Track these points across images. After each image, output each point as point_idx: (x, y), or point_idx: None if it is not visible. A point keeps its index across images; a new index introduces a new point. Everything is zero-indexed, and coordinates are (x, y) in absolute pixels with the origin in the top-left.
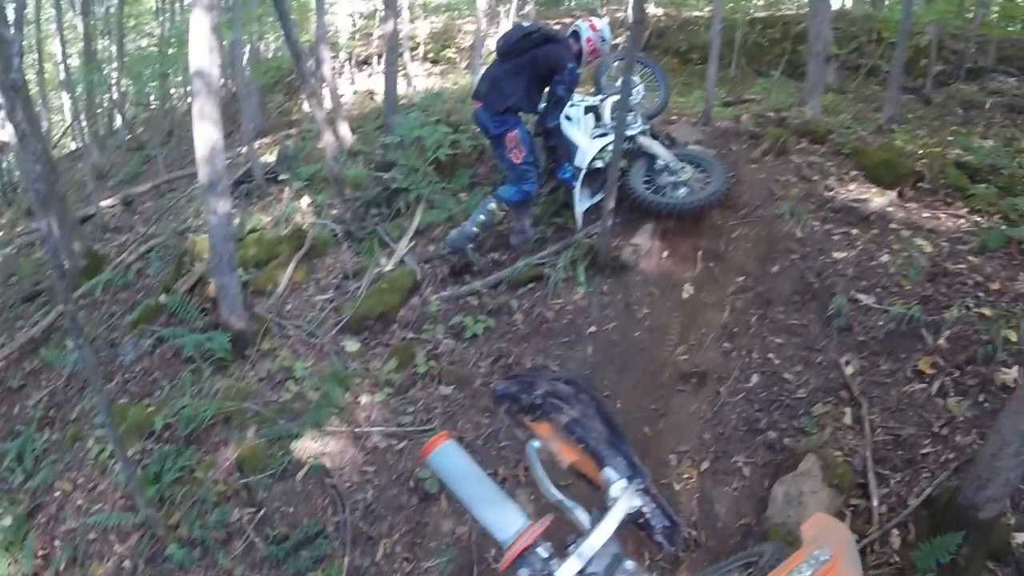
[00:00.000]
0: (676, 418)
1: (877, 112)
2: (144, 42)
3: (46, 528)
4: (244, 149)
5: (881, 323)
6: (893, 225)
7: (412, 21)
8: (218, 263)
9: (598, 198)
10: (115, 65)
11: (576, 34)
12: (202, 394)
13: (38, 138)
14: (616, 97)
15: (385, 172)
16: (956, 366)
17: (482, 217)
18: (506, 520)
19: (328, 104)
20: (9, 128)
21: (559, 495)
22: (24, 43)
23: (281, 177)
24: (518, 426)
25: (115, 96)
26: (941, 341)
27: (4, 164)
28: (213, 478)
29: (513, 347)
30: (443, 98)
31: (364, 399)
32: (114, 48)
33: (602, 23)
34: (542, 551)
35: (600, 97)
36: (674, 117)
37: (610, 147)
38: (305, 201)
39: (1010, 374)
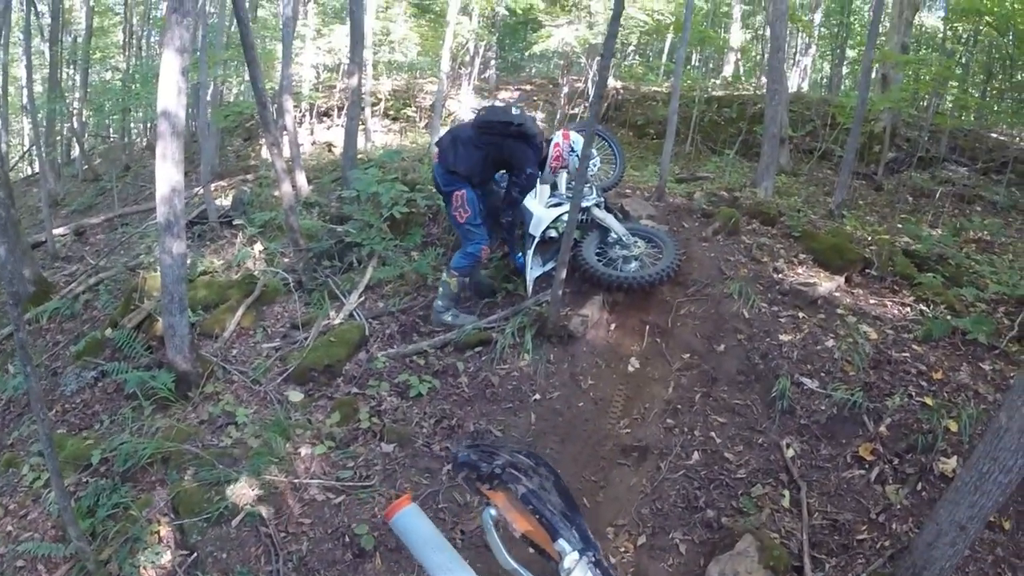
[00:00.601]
0: (615, 491)
1: (828, 196)
2: (109, 75)
3: None
4: (200, 190)
5: (823, 407)
6: (840, 310)
7: (375, 78)
8: (168, 303)
9: (550, 266)
10: (78, 95)
11: (549, 141)
12: (142, 432)
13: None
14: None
15: (339, 225)
16: (896, 454)
17: (440, 290)
18: None
19: (287, 153)
20: None
21: (514, 564)
22: None
23: (235, 221)
24: (475, 493)
25: (75, 126)
26: (882, 428)
27: None
28: (147, 517)
29: (457, 409)
30: (401, 156)
31: (304, 450)
32: (78, 78)
33: (576, 137)
34: None
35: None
36: (628, 191)
37: (564, 217)
38: (258, 247)
39: (949, 464)
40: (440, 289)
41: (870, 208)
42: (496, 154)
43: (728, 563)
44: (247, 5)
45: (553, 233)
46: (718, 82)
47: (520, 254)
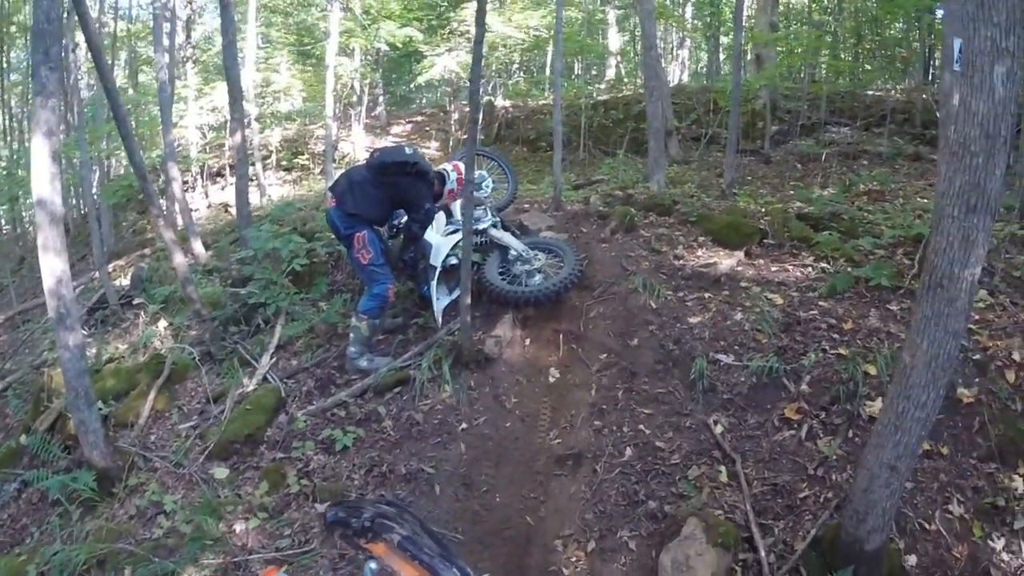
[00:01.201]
0: (556, 503)
1: (720, 178)
2: None
3: None
4: (96, 274)
5: (743, 379)
6: (743, 283)
7: (262, 131)
8: (75, 399)
9: (456, 294)
10: None
11: (443, 178)
12: (72, 538)
13: None
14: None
15: (242, 288)
16: (821, 408)
17: (352, 335)
18: None
19: (180, 222)
20: None
21: None
22: None
23: (136, 301)
24: (355, 548)
25: None
26: (803, 387)
27: None
28: None
29: (385, 454)
30: (295, 207)
31: (239, 527)
32: None
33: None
34: None
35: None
36: (526, 205)
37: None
38: (162, 324)
39: (875, 405)
40: (351, 335)
41: (761, 182)
42: (393, 193)
43: (678, 549)
44: (124, 74)
45: (454, 260)
46: (602, 86)
47: (426, 286)
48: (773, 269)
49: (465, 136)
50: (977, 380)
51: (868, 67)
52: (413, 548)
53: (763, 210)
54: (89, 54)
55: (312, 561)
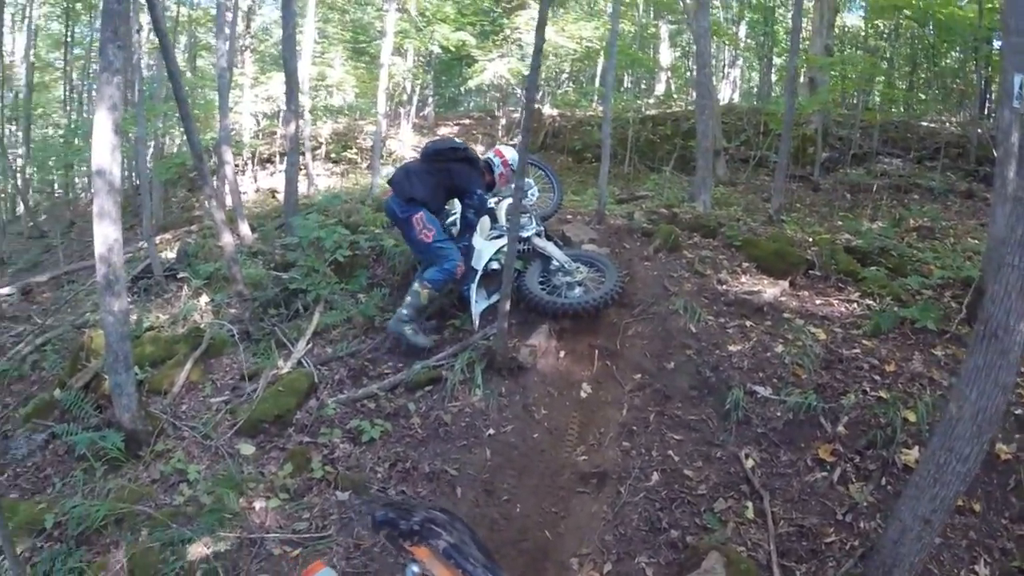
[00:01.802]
0: (577, 520)
1: (767, 202)
2: (51, 131)
3: None
4: (144, 244)
5: (779, 414)
6: (786, 315)
7: (315, 122)
8: (113, 362)
9: (494, 299)
10: (20, 152)
11: (489, 165)
12: (94, 494)
13: None
14: (510, 200)
15: (284, 273)
16: (856, 451)
17: (409, 299)
18: None
19: (229, 203)
20: None
21: None
22: None
23: (180, 275)
24: (398, 550)
25: (19, 183)
26: (840, 428)
27: None
28: None
29: (411, 451)
30: (342, 199)
31: (259, 504)
32: (20, 135)
33: (510, 152)
34: None
35: (495, 199)
36: (569, 216)
37: (505, 248)
38: (204, 300)
39: (911, 454)
40: (408, 298)
41: (809, 209)
42: (447, 180)
43: None
44: (184, 58)
45: (495, 265)
46: (651, 101)
47: (466, 287)
48: (817, 302)
49: (511, 142)
50: (1017, 436)
51: (923, 97)
52: (458, 556)
53: (810, 239)
54: (153, 35)
55: (327, 547)
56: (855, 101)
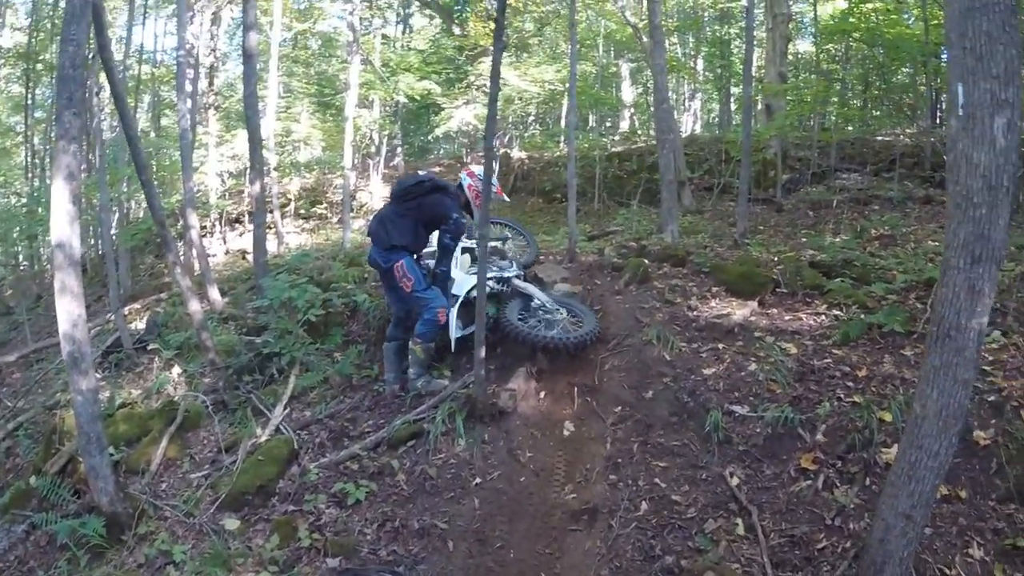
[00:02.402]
0: (571, 558)
1: (733, 227)
2: (13, 199)
3: None
4: (112, 316)
5: (758, 430)
6: (757, 333)
7: (282, 179)
8: (87, 444)
9: (470, 330)
10: None
11: (461, 187)
12: None
13: None
14: (493, 243)
15: (257, 337)
16: (837, 457)
17: (410, 359)
18: None
19: (197, 267)
20: None
21: None
22: None
23: (151, 346)
24: None
25: None
26: (819, 436)
27: None
28: None
29: (398, 509)
30: (313, 256)
31: None
32: None
33: (478, 168)
34: None
35: (475, 242)
36: (542, 257)
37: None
38: (176, 371)
39: (891, 452)
40: (410, 358)
41: (774, 230)
42: (422, 215)
43: None
44: (147, 117)
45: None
46: (616, 138)
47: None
48: (787, 318)
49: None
50: (993, 422)
51: (876, 113)
52: None
53: (776, 259)
54: (112, 96)
55: None
56: (811, 123)
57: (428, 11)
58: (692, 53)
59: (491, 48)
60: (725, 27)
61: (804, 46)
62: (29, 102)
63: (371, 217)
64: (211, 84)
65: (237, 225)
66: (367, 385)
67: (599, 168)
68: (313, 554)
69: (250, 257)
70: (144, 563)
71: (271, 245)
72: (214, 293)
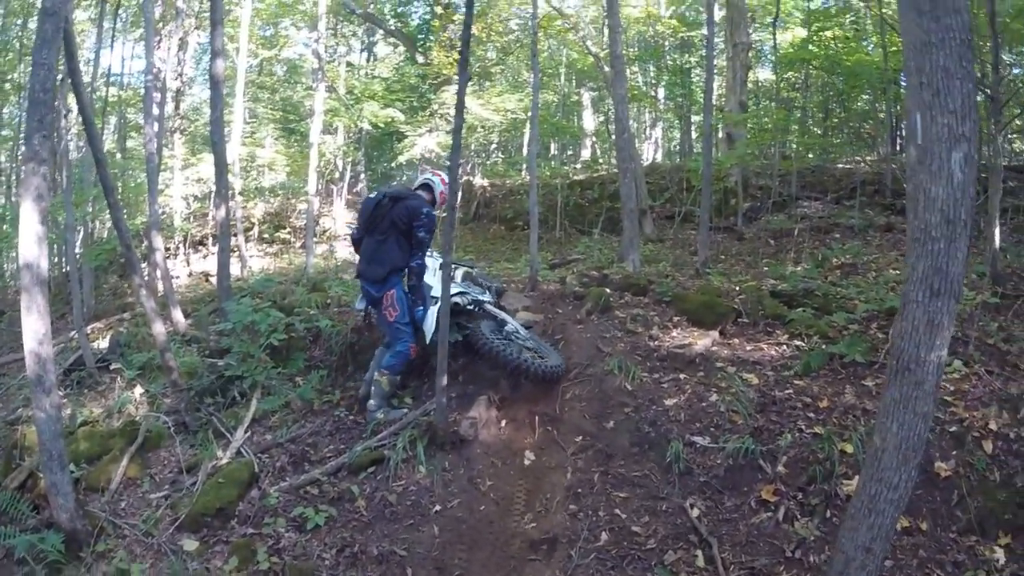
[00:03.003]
0: None
1: (694, 255)
2: None
3: None
4: (75, 334)
5: (719, 461)
6: (718, 364)
7: (247, 203)
8: (48, 460)
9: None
10: None
11: (429, 187)
12: None
13: None
14: (464, 268)
15: (219, 359)
16: (798, 488)
17: (373, 389)
18: None
19: (161, 289)
20: None
21: None
22: None
23: (113, 365)
24: None
25: None
26: (780, 467)
27: None
28: None
29: (357, 535)
30: (276, 281)
31: None
32: None
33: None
34: None
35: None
36: (504, 285)
37: (465, 297)
38: (138, 391)
39: (852, 484)
40: (373, 389)
41: (735, 259)
42: (397, 229)
43: None
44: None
45: (457, 300)
46: (578, 166)
47: (421, 309)
48: (748, 348)
49: (442, 214)
50: (954, 453)
51: (837, 141)
52: None
53: (737, 288)
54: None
55: None
56: (772, 151)
57: (392, 40)
58: (653, 82)
59: (455, 77)
60: (686, 56)
61: (764, 74)
62: None
63: (338, 244)
64: (177, 108)
65: (201, 248)
66: (328, 410)
67: (561, 196)
68: None
69: (213, 280)
70: None
71: (235, 269)
72: (177, 315)
